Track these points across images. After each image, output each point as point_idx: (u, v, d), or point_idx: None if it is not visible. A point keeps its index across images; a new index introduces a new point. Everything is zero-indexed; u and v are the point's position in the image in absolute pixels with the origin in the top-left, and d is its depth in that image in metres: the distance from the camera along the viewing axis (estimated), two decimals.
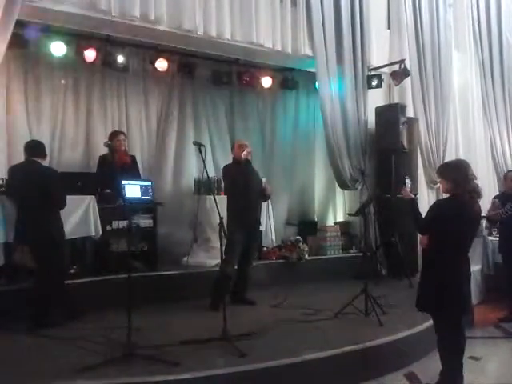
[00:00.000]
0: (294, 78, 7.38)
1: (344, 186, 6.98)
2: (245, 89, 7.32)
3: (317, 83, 6.77)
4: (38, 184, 4.30)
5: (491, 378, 4.09)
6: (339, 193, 7.59)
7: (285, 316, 4.65)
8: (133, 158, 6.02)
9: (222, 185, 5.90)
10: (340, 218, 7.64)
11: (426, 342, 4.09)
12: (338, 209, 7.75)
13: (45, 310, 4.27)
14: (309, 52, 6.53)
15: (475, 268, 6.42)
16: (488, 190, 8.51)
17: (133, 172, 5.75)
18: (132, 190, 5.10)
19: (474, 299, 6.30)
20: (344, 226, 7.23)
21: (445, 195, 3.63)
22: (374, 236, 6.64)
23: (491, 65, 8.63)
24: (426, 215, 3.51)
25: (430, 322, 3.78)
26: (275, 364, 3.41)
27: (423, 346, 4.16)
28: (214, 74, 6.92)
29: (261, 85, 7.20)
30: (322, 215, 7.79)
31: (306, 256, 6.49)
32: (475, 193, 3.35)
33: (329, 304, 4.95)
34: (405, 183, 4.23)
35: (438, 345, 3.56)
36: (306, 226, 7.40)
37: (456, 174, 3.38)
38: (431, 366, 3.85)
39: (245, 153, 5.09)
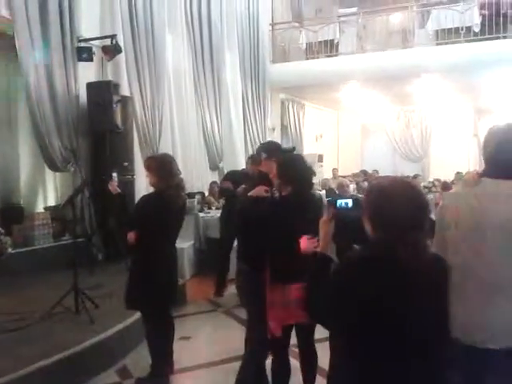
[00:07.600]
0: None
1: (54, 167, 6.32)
2: None
3: (17, 50, 5.85)
4: None
5: (203, 358, 4.27)
6: (50, 174, 6.87)
7: None
8: None
9: None
10: (52, 202, 6.97)
11: (137, 332, 4.04)
12: (49, 192, 7.00)
13: None
14: (6, 14, 5.58)
15: (187, 244, 6.82)
16: (205, 170, 9.20)
17: None
18: None
19: (188, 274, 6.76)
20: (56, 212, 6.61)
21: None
22: (89, 220, 6.33)
23: (202, 49, 9.04)
24: (134, 211, 3.46)
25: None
26: None
27: (135, 336, 4.12)
28: None
29: None
30: (29, 200, 6.89)
31: (10, 249, 5.68)
32: (179, 188, 3.45)
33: (37, 305, 4.40)
34: (111, 177, 4.06)
35: (147, 337, 3.60)
36: (11, 213, 6.46)
37: (160, 169, 3.40)
38: (143, 357, 3.80)
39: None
